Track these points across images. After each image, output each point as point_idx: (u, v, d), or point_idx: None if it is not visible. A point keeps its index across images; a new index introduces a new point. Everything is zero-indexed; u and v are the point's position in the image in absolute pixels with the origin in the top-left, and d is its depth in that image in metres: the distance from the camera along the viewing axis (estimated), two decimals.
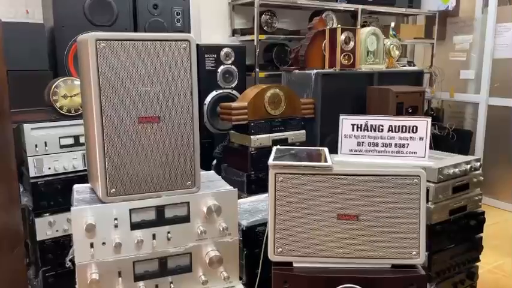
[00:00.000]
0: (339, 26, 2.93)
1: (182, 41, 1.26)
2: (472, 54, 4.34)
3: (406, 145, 1.42)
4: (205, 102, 3.02)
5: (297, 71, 2.96)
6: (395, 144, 1.42)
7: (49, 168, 2.00)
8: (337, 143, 1.46)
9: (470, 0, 4.37)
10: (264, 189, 1.82)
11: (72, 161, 2.04)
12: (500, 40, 4.03)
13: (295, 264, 1.34)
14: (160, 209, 1.30)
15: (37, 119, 2.00)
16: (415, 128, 1.41)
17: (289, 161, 1.32)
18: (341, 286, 1.28)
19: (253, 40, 3.37)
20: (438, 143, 3.66)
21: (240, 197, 1.65)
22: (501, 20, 4.01)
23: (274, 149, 1.46)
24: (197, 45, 2.82)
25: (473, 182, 2.04)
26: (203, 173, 1.46)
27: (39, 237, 2.00)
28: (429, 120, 1.41)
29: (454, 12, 4.43)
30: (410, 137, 1.42)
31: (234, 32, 3.68)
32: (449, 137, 4.11)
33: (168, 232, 1.31)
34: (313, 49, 2.95)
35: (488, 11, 4.07)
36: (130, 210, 1.26)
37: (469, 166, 2.00)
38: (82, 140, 2.03)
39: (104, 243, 1.24)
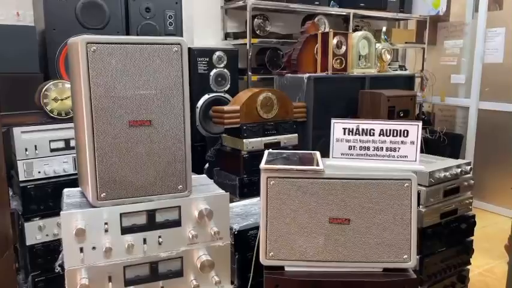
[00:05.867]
0: (331, 30, 2.94)
1: (174, 44, 1.26)
2: (462, 59, 4.38)
3: (397, 149, 1.43)
4: (197, 105, 3.02)
5: (289, 74, 2.97)
6: (387, 148, 1.43)
7: (39, 172, 1.98)
8: (329, 147, 1.46)
9: (461, 6, 4.41)
10: (256, 192, 1.82)
11: (62, 165, 2.02)
12: (490, 45, 4.07)
13: (286, 268, 1.33)
14: (151, 213, 1.29)
15: (27, 122, 1.98)
16: (406, 132, 1.42)
17: (281, 165, 1.32)
18: None
19: (245, 44, 3.37)
20: (429, 146, 3.67)
21: (232, 201, 1.65)
22: (491, 25, 4.05)
23: (266, 152, 1.46)
24: (189, 48, 2.84)
25: (464, 185, 2.06)
26: (195, 176, 1.46)
27: (29, 241, 1.98)
28: (420, 124, 1.42)
29: (445, 17, 4.48)
30: (402, 141, 1.42)
31: (227, 36, 3.68)
32: (440, 141, 4.13)
33: (159, 236, 1.30)
34: (305, 53, 2.96)
35: (479, 16, 4.12)
36: (121, 214, 1.25)
37: (459, 170, 2.02)
38: (73, 143, 2.01)
39: (94, 248, 1.23)
